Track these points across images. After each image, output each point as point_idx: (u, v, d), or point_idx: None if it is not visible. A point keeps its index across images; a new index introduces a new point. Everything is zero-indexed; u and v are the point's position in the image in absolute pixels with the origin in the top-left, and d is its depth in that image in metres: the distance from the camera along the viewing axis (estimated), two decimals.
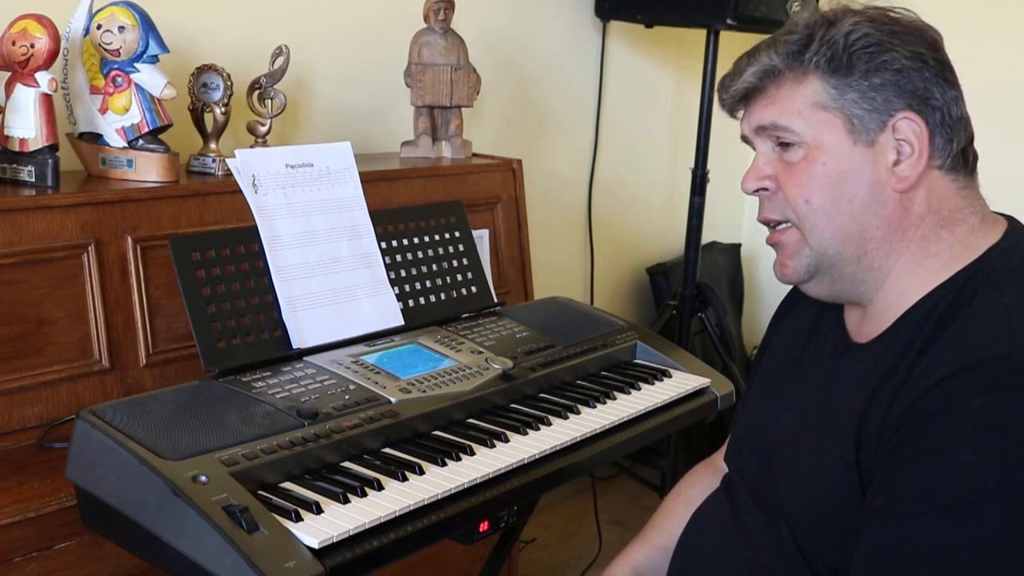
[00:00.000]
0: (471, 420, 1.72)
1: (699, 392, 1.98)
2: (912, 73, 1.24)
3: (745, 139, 1.37)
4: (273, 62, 2.12)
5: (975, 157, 1.30)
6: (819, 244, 1.29)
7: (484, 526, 1.64)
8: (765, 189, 1.33)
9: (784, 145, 1.30)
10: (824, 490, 1.28)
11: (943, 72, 1.27)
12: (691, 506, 1.58)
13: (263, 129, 2.13)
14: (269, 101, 2.13)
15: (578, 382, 1.94)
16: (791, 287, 1.56)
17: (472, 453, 1.59)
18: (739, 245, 3.93)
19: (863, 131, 1.25)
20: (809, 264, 1.31)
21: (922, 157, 1.25)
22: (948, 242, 1.27)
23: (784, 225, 1.33)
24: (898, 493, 1.16)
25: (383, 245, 1.92)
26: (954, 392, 1.15)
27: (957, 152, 1.27)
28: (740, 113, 1.37)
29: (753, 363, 1.63)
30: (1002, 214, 1.34)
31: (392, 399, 1.65)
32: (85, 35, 1.88)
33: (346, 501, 1.41)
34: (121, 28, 1.83)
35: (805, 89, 1.27)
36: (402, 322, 1.89)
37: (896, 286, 1.29)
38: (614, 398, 1.87)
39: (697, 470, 1.70)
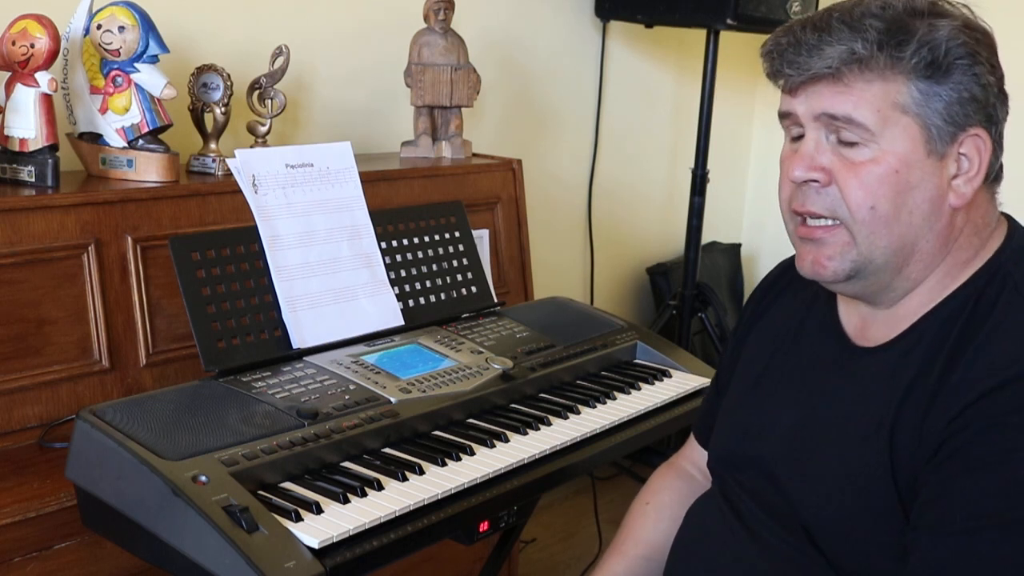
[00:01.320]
0: (471, 420, 1.72)
1: (699, 392, 1.98)
2: (990, 89, 1.21)
3: (785, 116, 1.27)
4: (273, 62, 2.12)
5: (1002, 167, 1.29)
6: (870, 251, 1.23)
7: (484, 526, 1.63)
8: (816, 180, 1.23)
9: (845, 140, 1.21)
10: (854, 502, 1.24)
11: (1001, 84, 1.23)
12: (662, 512, 1.56)
13: (263, 129, 2.13)
14: (269, 101, 2.13)
15: (578, 382, 1.94)
16: (763, 285, 1.53)
17: (472, 453, 1.59)
18: (739, 245, 3.93)
19: (937, 142, 1.20)
20: (852, 268, 1.24)
21: (980, 173, 1.22)
22: (976, 247, 1.26)
23: (828, 222, 1.24)
24: (953, 509, 1.14)
25: (383, 245, 1.92)
26: (1004, 405, 1.13)
27: (998, 166, 1.26)
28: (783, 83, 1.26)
29: (723, 364, 1.56)
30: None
31: (392, 399, 1.65)
32: (85, 35, 1.87)
33: (346, 501, 1.41)
34: (121, 28, 1.83)
35: (889, 87, 1.19)
36: (402, 322, 1.89)
37: (922, 294, 1.26)
38: (614, 398, 1.87)
39: (660, 474, 1.65)
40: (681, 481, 1.61)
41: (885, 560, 1.22)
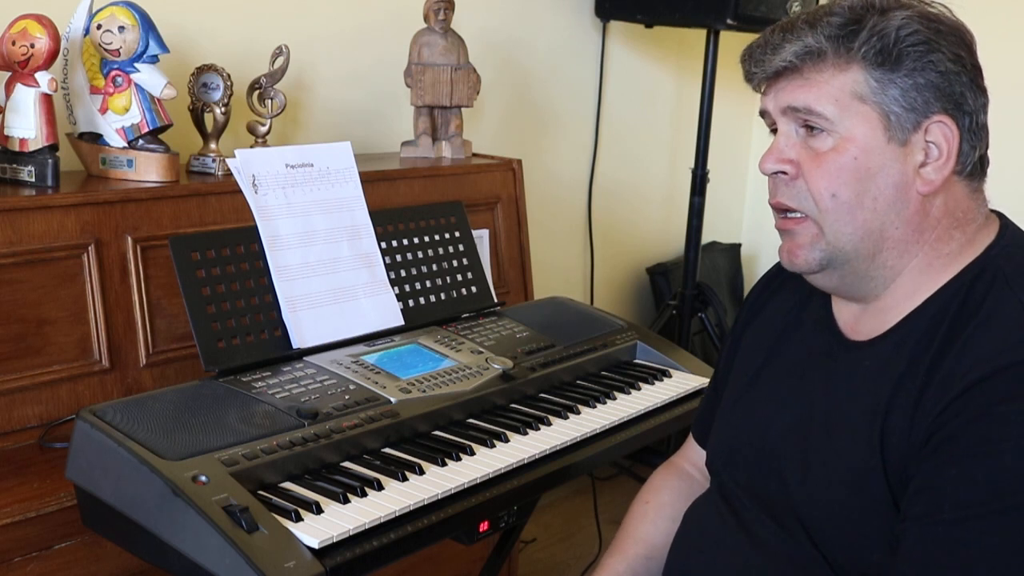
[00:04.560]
0: (471, 420, 1.72)
1: (699, 392, 1.98)
2: (952, 77, 1.23)
3: (764, 115, 1.33)
4: (273, 62, 2.12)
5: (988, 162, 1.30)
6: (836, 239, 1.27)
7: (484, 526, 1.63)
8: (784, 172, 1.29)
9: (810, 129, 1.27)
10: (848, 495, 1.26)
11: (976, 77, 1.25)
12: (663, 511, 1.56)
13: (263, 129, 2.13)
14: (269, 101, 2.13)
15: (578, 382, 1.94)
16: (760, 284, 1.54)
17: (472, 453, 1.59)
18: (739, 245, 3.93)
19: (898, 129, 1.23)
20: (822, 258, 1.28)
21: (949, 161, 1.24)
22: (959, 241, 1.27)
23: (798, 215, 1.29)
24: (941, 499, 1.15)
25: (383, 245, 1.92)
26: (991, 395, 1.14)
27: (977, 159, 1.27)
28: (763, 86, 1.33)
29: (720, 363, 1.57)
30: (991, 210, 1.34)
31: (392, 399, 1.65)
32: (85, 35, 1.88)
33: (346, 501, 1.41)
34: (121, 28, 1.83)
35: (846, 77, 1.24)
36: (402, 322, 1.89)
37: (905, 285, 1.28)
38: (614, 398, 1.87)
39: (660, 474, 1.65)
40: (681, 480, 1.61)
41: (879, 553, 1.23)
